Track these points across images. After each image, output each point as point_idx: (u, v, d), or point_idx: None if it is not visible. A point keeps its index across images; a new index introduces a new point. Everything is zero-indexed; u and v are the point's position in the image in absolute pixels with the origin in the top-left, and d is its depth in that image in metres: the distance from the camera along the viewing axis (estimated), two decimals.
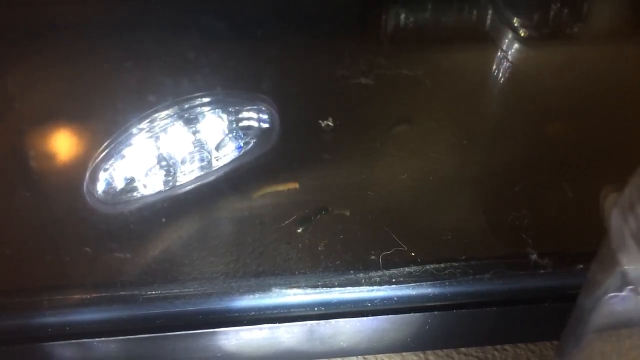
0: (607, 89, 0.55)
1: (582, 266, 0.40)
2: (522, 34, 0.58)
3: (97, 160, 0.44)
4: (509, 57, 0.57)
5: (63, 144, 0.51)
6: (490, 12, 0.62)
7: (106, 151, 0.45)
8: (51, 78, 0.56)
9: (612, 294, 0.28)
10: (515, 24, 0.58)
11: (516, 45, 0.58)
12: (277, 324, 0.40)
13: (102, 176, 0.45)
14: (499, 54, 0.58)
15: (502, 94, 0.56)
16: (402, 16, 0.63)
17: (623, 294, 0.27)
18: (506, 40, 0.58)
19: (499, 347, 0.46)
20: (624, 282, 0.26)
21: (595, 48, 0.60)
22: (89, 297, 0.39)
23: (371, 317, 0.40)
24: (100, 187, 0.44)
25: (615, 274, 0.27)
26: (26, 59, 0.58)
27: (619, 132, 0.52)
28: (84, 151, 0.49)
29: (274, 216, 0.44)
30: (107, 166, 0.45)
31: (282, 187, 0.47)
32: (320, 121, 0.51)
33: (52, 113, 0.53)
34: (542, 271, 0.40)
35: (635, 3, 0.64)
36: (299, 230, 0.43)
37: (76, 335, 0.39)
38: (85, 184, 0.44)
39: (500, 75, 0.57)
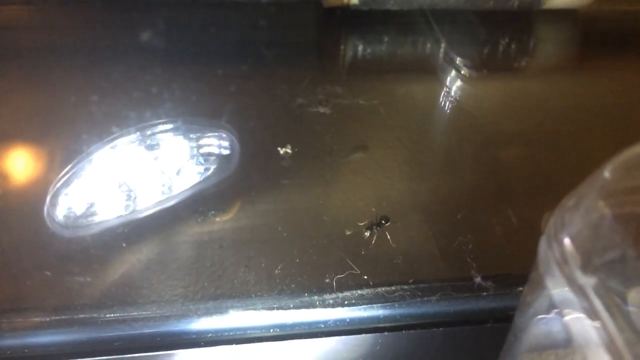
0: (544, 122, 0.59)
1: (521, 288, 0.42)
2: (464, 73, 0.62)
3: (58, 184, 0.45)
4: (452, 93, 0.60)
5: (23, 168, 0.51)
6: (442, 47, 0.65)
7: (67, 176, 0.45)
8: (12, 102, 0.57)
9: (541, 316, 0.30)
10: (458, 64, 0.62)
11: (458, 83, 0.61)
12: (234, 345, 0.41)
13: (63, 200, 0.45)
14: (444, 89, 0.61)
15: (449, 126, 0.59)
16: (360, 48, 0.66)
17: (550, 316, 0.29)
18: (449, 78, 0.62)
19: None
20: (551, 305, 0.29)
21: (533, 85, 0.64)
22: (48, 319, 0.39)
23: (325, 338, 0.42)
24: (61, 211, 0.45)
25: (542, 296, 0.29)
26: None
27: (559, 161, 0.55)
28: (44, 176, 0.49)
29: (232, 240, 0.46)
30: (67, 191, 0.45)
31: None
32: (279, 148, 0.53)
33: (13, 137, 0.53)
34: (484, 293, 0.43)
35: (574, 41, 0.68)
36: (256, 253, 0.44)
37: (35, 357, 0.39)
38: (45, 208, 0.44)
39: (446, 109, 0.60)
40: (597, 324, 0.25)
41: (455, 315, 0.42)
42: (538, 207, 0.47)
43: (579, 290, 0.26)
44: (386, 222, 0.47)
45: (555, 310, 0.29)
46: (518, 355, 0.33)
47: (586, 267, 0.26)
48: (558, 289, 0.28)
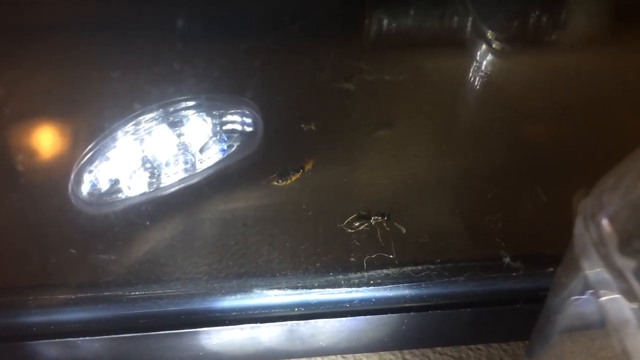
0: (577, 97, 0.57)
1: (552, 269, 0.41)
2: (495, 47, 0.60)
3: (82, 162, 0.45)
4: (483, 67, 0.59)
5: (48, 145, 0.51)
6: (470, 20, 0.63)
7: (91, 153, 0.46)
8: (36, 79, 0.57)
9: (575, 297, 0.29)
10: (489, 37, 0.60)
11: (489, 57, 0.59)
12: (258, 324, 0.41)
13: (87, 178, 0.45)
14: (474, 63, 0.60)
15: (478, 102, 0.58)
16: (385, 22, 0.65)
17: (585, 297, 0.28)
18: (480, 52, 0.60)
19: (473, 346, 0.47)
20: (586, 286, 0.28)
21: (565, 59, 0.62)
22: (73, 297, 0.40)
23: (350, 318, 0.41)
24: (85, 188, 0.45)
25: (577, 277, 0.28)
26: (12, 59, 0.58)
27: (591, 138, 0.53)
28: (68, 153, 0.49)
29: (256, 218, 0.45)
30: (91, 168, 0.45)
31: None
32: (302, 125, 0.52)
33: (37, 114, 0.53)
34: (514, 273, 0.42)
35: (607, 13, 0.66)
36: (280, 232, 0.44)
37: (61, 334, 0.39)
38: (70, 185, 0.44)
39: (476, 84, 0.58)
40: (634, 305, 0.24)
41: (483, 296, 0.42)
42: (569, 186, 0.46)
43: (617, 272, 0.25)
44: (383, 217, 0.44)
45: (590, 291, 0.28)
46: (551, 336, 0.32)
47: (625, 249, 0.25)
48: (593, 270, 0.27)
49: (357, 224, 0.44)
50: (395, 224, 0.44)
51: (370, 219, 0.44)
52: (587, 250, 0.26)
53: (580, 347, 0.31)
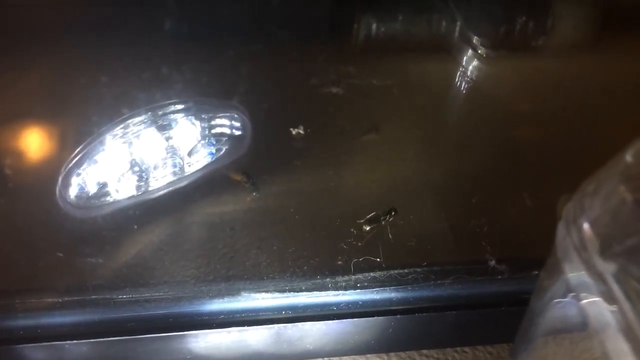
0: (562, 102, 0.58)
1: (536, 272, 0.42)
2: (481, 53, 0.60)
3: (70, 165, 0.45)
4: (468, 73, 0.59)
5: (36, 148, 0.51)
6: (458, 25, 0.64)
7: (79, 156, 0.45)
8: (24, 83, 0.57)
9: (557, 300, 0.30)
10: (475, 43, 0.61)
11: (475, 63, 0.60)
12: (246, 327, 0.41)
13: (75, 181, 0.45)
14: (461, 69, 0.60)
15: (465, 107, 0.59)
16: (373, 26, 0.65)
17: (567, 300, 0.29)
18: (465, 57, 0.60)
19: (458, 349, 0.47)
20: (568, 289, 0.28)
21: (551, 65, 0.63)
22: (61, 300, 0.40)
23: (337, 321, 0.42)
24: (73, 191, 0.45)
25: (560, 281, 0.29)
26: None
27: (576, 142, 0.54)
28: (57, 156, 0.49)
29: (244, 221, 0.45)
30: (80, 171, 0.45)
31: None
32: (291, 129, 0.52)
33: (25, 117, 0.53)
34: (499, 277, 0.42)
35: (592, 20, 0.67)
36: (268, 235, 0.44)
37: (48, 337, 0.39)
38: (58, 188, 0.44)
39: (463, 89, 0.59)
40: (613, 307, 0.25)
41: (468, 299, 0.42)
42: (554, 190, 0.46)
43: (597, 275, 0.25)
44: (394, 213, 0.45)
45: (572, 294, 0.28)
46: (534, 338, 0.33)
47: (605, 253, 0.25)
48: (575, 273, 0.27)
49: (368, 228, 0.44)
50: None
51: (381, 220, 0.45)
52: (569, 254, 0.27)
53: (563, 349, 0.31)
